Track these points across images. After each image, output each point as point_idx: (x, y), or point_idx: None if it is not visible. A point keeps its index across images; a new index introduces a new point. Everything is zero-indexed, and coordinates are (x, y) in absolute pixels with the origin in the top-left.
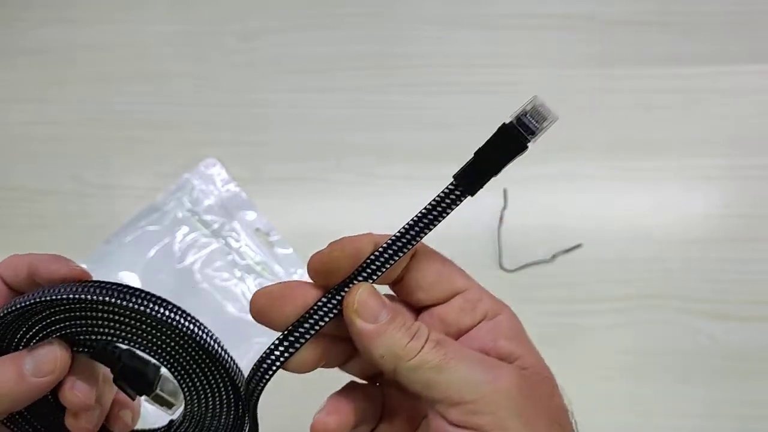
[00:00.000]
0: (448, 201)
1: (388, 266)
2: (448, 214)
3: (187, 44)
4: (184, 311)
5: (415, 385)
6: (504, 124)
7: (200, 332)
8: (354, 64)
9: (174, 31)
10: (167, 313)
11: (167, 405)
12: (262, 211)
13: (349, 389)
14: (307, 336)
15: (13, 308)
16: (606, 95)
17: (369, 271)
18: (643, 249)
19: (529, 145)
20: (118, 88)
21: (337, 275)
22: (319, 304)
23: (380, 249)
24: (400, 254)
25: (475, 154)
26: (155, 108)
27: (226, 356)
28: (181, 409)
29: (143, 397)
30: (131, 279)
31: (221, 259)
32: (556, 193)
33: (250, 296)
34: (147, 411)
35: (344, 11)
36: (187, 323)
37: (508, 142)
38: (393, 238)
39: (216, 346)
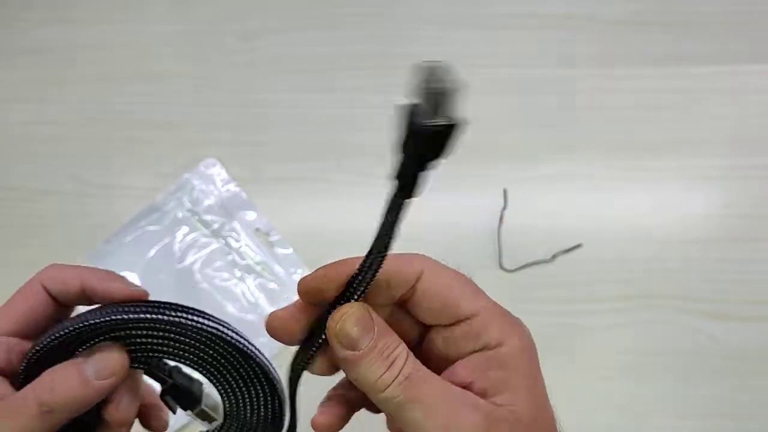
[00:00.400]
0: (393, 207)
1: (364, 287)
2: (399, 222)
3: (187, 44)
4: (228, 324)
5: (384, 411)
6: (399, 105)
7: (243, 340)
8: (354, 64)
9: (174, 31)
10: (219, 327)
11: (209, 420)
12: (262, 211)
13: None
14: (311, 351)
15: (84, 325)
16: (606, 95)
17: (351, 290)
18: (643, 249)
19: (429, 125)
20: (118, 88)
21: (325, 297)
22: (314, 324)
23: (357, 269)
24: (372, 271)
25: (398, 150)
26: (155, 108)
27: (267, 362)
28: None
29: (186, 412)
30: (131, 279)
31: (221, 259)
32: (556, 193)
33: (250, 296)
34: None
35: (344, 11)
36: (233, 334)
37: (412, 129)
38: (365, 256)
39: (261, 355)
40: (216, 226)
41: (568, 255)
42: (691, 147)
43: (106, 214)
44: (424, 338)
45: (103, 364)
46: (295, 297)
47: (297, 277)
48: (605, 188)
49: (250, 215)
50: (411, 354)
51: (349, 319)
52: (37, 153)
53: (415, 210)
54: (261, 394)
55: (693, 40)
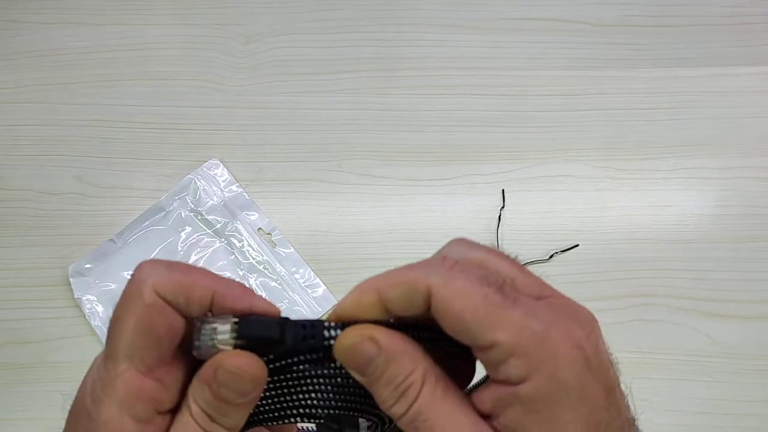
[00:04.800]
0: None
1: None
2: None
3: (191, 47)
4: None
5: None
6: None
7: None
8: (355, 67)
9: (178, 33)
10: None
11: None
12: (264, 211)
13: None
14: None
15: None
16: (602, 97)
17: None
18: (640, 249)
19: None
20: (122, 89)
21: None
22: None
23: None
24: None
25: None
26: (159, 110)
27: None
28: None
29: None
30: None
31: (224, 258)
32: (554, 193)
33: None
34: None
35: (345, 15)
36: None
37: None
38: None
39: None
40: (219, 225)
41: (565, 255)
42: (686, 148)
43: (110, 215)
44: None
45: None
46: (295, 295)
47: (298, 276)
48: (602, 189)
49: (253, 215)
50: (429, 380)
51: (351, 342)
52: (41, 154)
53: (415, 210)
54: None
55: (687, 43)
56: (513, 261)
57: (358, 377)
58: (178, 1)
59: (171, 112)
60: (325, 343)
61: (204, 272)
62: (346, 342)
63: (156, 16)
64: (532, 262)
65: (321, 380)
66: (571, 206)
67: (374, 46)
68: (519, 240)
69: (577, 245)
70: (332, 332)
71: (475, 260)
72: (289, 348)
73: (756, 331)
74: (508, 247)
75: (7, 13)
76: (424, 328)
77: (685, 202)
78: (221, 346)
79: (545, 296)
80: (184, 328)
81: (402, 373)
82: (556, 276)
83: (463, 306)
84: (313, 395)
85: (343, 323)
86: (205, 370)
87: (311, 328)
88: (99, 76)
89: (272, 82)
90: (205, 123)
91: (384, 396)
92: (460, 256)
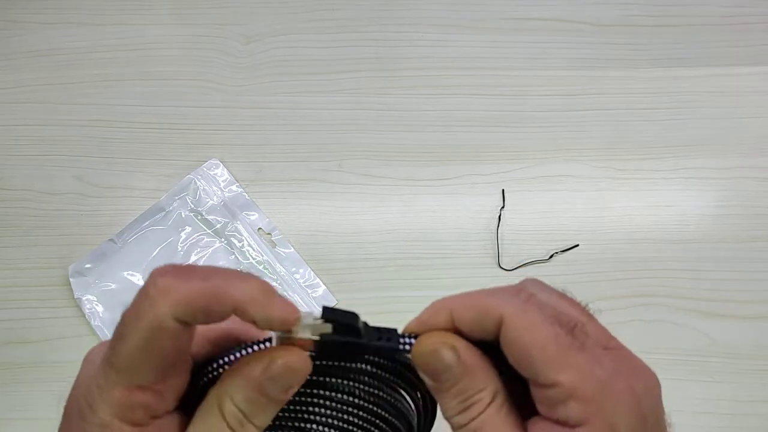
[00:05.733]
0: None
1: None
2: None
3: (191, 47)
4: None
5: None
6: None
7: None
8: (355, 67)
9: (178, 33)
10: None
11: None
12: (264, 211)
13: None
14: None
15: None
16: (602, 97)
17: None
18: (640, 249)
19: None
20: (122, 89)
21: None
22: None
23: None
24: None
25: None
26: (159, 110)
27: None
28: None
29: None
30: (135, 279)
31: (224, 259)
32: (554, 193)
33: None
34: None
35: (345, 14)
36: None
37: None
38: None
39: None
40: (219, 225)
41: (565, 255)
42: (686, 148)
43: (110, 215)
44: None
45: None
46: (295, 295)
47: (298, 276)
48: (602, 189)
49: (253, 215)
50: (497, 400)
51: (432, 347)
52: (41, 154)
53: (415, 210)
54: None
55: (687, 43)
56: (583, 309)
57: (428, 382)
58: (178, 1)
59: (171, 112)
60: (400, 347)
61: (226, 281)
62: (427, 347)
63: (156, 16)
64: (532, 262)
65: (339, 395)
66: (571, 206)
67: (374, 46)
68: (519, 240)
69: (577, 245)
70: (406, 339)
71: (548, 301)
72: (364, 344)
73: (756, 331)
74: (509, 247)
75: (7, 13)
76: (486, 351)
77: (686, 202)
78: (302, 334)
79: (611, 348)
80: (192, 338)
81: (474, 387)
82: (556, 276)
83: (532, 340)
84: (325, 410)
85: (415, 335)
86: (250, 367)
87: (386, 331)
88: (99, 76)
89: (272, 82)
90: (205, 123)
91: (450, 404)
92: (535, 293)
